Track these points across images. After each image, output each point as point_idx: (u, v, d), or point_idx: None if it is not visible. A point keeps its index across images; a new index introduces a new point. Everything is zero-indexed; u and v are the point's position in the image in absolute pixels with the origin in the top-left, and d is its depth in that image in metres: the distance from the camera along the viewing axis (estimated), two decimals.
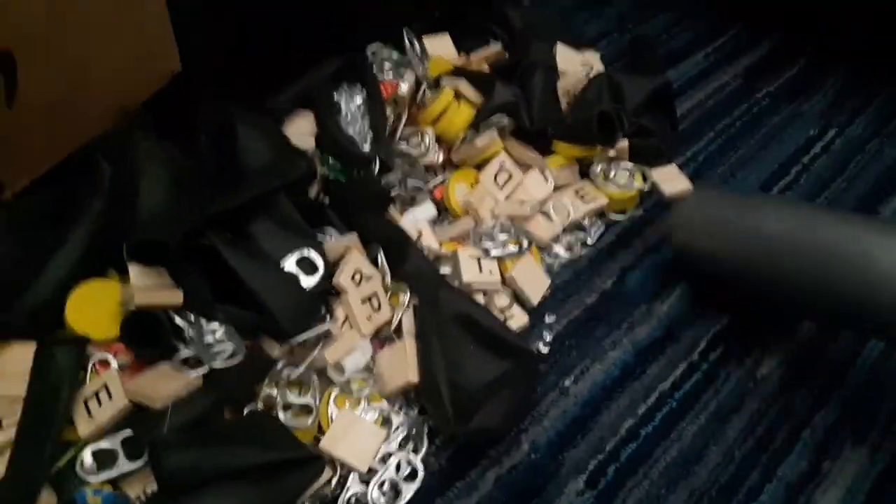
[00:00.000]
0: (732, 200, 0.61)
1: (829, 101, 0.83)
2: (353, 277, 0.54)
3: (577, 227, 0.66)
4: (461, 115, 0.66)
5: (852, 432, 0.56)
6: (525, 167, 0.67)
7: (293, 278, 0.51)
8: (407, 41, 0.70)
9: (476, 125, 0.66)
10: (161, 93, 0.61)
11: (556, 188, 0.67)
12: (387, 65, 0.70)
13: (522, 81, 0.70)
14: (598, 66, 0.77)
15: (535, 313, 0.60)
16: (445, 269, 0.60)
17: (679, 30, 0.90)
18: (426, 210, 0.64)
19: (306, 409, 0.49)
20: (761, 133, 0.79)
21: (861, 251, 0.51)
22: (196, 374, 0.47)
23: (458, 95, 0.67)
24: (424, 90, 0.67)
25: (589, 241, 0.66)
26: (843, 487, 0.53)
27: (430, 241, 0.61)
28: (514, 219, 0.63)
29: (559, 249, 0.64)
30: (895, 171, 0.76)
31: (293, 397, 0.49)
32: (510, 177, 0.65)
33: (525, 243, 0.61)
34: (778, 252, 0.54)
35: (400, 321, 0.55)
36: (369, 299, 0.54)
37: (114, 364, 0.49)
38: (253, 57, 0.68)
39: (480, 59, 0.75)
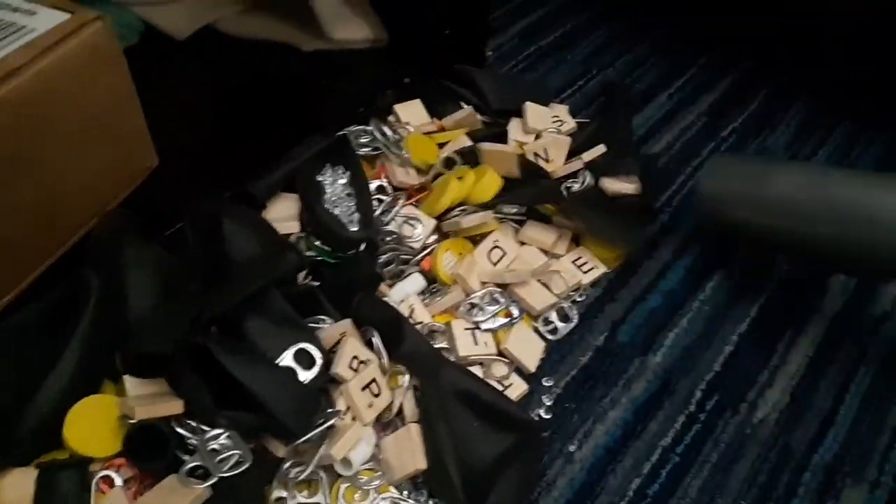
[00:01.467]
0: (753, 166, 0.67)
1: (793, 134, 0.86)
2: (350, 366, 0.54)
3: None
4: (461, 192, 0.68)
5: (851, 471, 0.57)
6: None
7: (292, 375, 0.51)
8: (374, 129, 0.71)
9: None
10: (140, 189, 0.62)
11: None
12: (365, 149, 0.70)
13: None
14: (569, 121, 0.79)
15: (534, 377, 0.61)
16: (441, 343, 0.60)
17: (641, 72, 0.93)
18: (414, 282, 0.65)
19: None
20: None
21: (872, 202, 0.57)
22: (205, 486, 0.46)
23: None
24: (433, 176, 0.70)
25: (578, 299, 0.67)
26: None
27: (422, 316, 0.61)
28: (506, 287, 0.64)
29: (554, 319, 0.64)
30: None
31: (303, 498, 0.49)
32: (504, 254, 0.66)
33: (515, 313, 0.62)
34: (798, 211, 0.60)
35: (401, 406, 0.55)
36: (368, 385, 0.54)
37: (118, 481, 0.48)
38: (229, 145, 0.69)
39: (453, 122, 0.76)
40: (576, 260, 0.68)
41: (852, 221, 0.58)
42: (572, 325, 0.65)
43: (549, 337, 0.64)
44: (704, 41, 0.96)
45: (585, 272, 0.67)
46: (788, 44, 0.89)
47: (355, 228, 0.64)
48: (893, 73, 0.83)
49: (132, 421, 0.48)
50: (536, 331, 0.64)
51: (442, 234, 0.68)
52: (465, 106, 0.77)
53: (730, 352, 0.64)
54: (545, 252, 0.68)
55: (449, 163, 0.70)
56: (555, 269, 0.65)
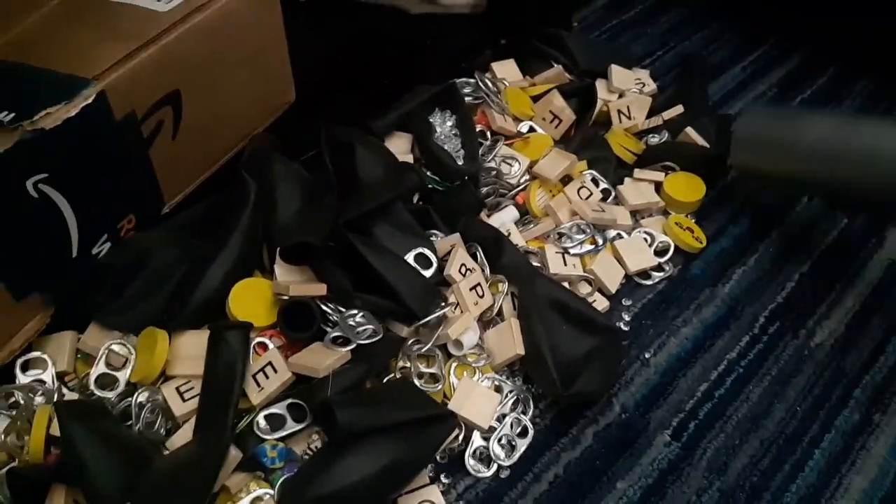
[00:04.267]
0: (784, 115, 0.73)
1: (859, 106, 0.92)
2: (460, 270, 0.64)
3: None
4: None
5: None
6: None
7: (417, 270, 0.61)
8: (478, 80, 0.80)
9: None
10: (279, 120, 0.72)
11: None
12: (467, 98, 0.79)
13: None
14: (650, 83, 0.87)
15: (614, 299, 0.69)
16: (534, 263, 0.69)
17: (716, 47, 1.00)
18: (510, 213, 0.73)
19: (434, 378, 0.59)
20: None
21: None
22: (346, 350, 0.56)
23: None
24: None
25: None
26: (892, 436, 0.61)
27: (517, 239, 0.70)
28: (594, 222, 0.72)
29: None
30: None
31: (424, 368, 0.59)
32: (591, 194, 0.74)
33: (600, 242, 0.70)
34: (832, 154, 0.65)
35: (500, 308, 0.64)
36: (474, 287, 0.63)
37: (271, 346, 0.58)
38: (350, 90, 0.78)
39: (543, 80, 0.85)
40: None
41: (883, 164, 0.62)
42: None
43: (657, 276, 0.72)
44: (777, 20, 1.02)
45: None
46: (857, 23, 0.95)
47: (461, 163, 0.73)
48: None
49: (284, 298, 0.58)
50: (618, 259, 0.72)
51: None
52: (555, 65, 0.86)
53: (791, 287, 0.71)
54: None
55: None
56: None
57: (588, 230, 0.71)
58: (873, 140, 0.64)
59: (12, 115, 0.48)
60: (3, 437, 0.53)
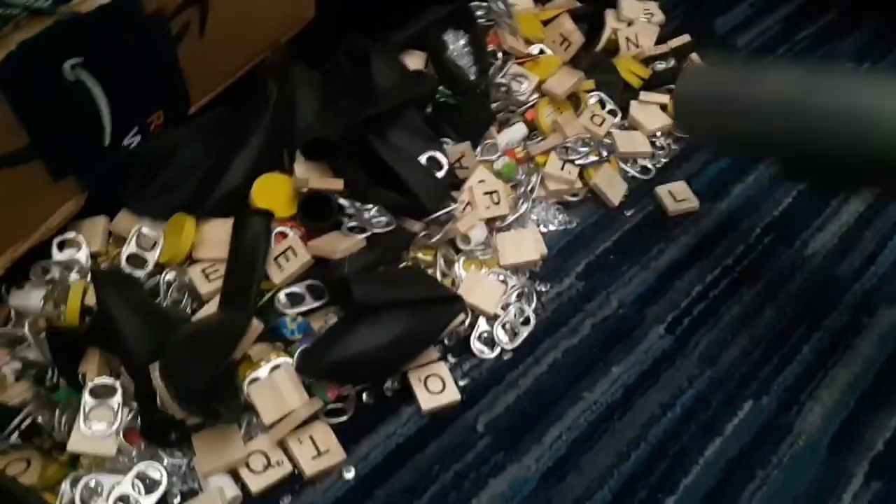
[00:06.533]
0: (732, 72, 0.64)
1: (864, 42, 0.94)
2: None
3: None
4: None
5: (887, 297, 0.67)
6: None
7: (429, 169, 0.64)
8: (492, 4, 0.82)
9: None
10: (300, 33, 0.75)
11: None
12: (480, 20, 0.82)
13: None
14: (658, 13, 0.89)
15: (617, 210, 0.73)
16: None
17: None
18: (519, 129, 0.76)
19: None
20: None
21: (854, 105, 0.53)
22: (362, 237, 0.60)
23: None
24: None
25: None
26: (878, 335, 0.64)
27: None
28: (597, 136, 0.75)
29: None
30: None
31: (431, 258, 0.62)
32: (603, 121, 0.77)
33: (604, 154, 0.73)
34: (785, 116, 0.56)
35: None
36: (490, 193, 0.67)
37: (291, 234, 0.62)
38: (367, 7, 0.81)
39: (555, 6, 0.87)
40: None
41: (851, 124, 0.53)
42: (651, 174, 0.76)
43: (639, 176, 0.76)
44: None
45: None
46: None
47: (473, 77, 0.76)
48: None
49: (304, 190, 0.62)
50: (623, 173, 0.75)
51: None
52: None
53: (788, 203, 0.74)
54: None
55: None
56: None
57: (592, 143, 0.74)
58: (837, 98, 0.54)
59: (49, 1, 0.52)
60: (41, 304, 0.57)
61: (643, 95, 0.81)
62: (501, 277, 0.64)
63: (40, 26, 0.51)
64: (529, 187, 0.70)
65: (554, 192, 0.72)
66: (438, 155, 0.66)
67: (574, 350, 0.61)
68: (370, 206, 0.61)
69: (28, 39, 0.50)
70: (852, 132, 0.53)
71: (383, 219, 0.61)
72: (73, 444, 0.50)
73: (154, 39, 0.60)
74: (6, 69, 0.49)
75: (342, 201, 0.61)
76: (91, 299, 0.56)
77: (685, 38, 0.85)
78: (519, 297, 0.64)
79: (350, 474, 0.54)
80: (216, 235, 0.61)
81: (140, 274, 0.59)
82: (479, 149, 0.73)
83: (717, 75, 0.65)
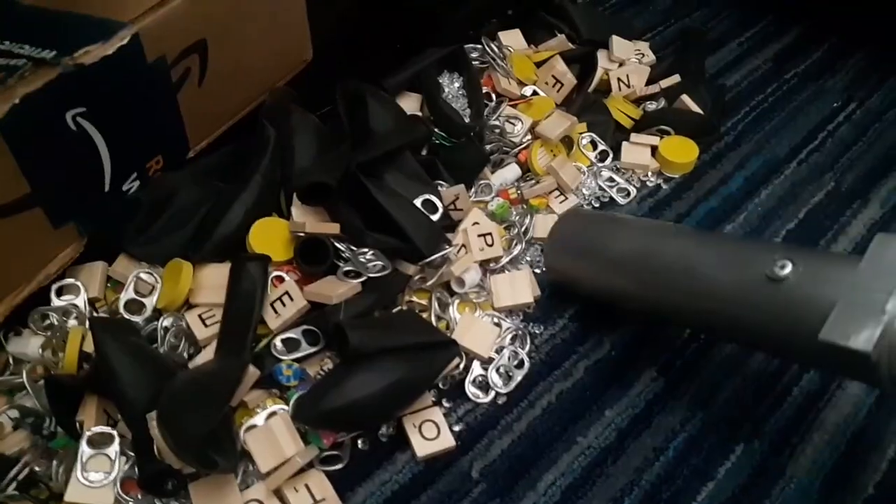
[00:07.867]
0: (590, 224, 0.68)
1: (851, 79, 0.96)
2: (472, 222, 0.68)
3: None
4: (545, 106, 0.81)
5: None
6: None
7: (424, 212, 0.65)
8: (485, 45, 0.84)
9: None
10: (297, 76, 0.77)
11: None
12: (475, 62, 0.84)
13: None
14: (649, 54, 0.91)
15: None
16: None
17: (715, 23, 1.04)
18: (512, 170, 0.78)
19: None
20: (791, 107, 0.91)
21: (688, 263, 0.55)
22: (357, 282, 0.60)
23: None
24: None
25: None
26: None
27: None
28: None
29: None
30: None
31: (426, 302, 0.63)
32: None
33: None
34: (626, 270, 0.60)
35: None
36: (484, 236, 0.68)
37: (288, 278, 0.62)
38: (364, 51, 0.83)
39: (547, 48, 0.89)
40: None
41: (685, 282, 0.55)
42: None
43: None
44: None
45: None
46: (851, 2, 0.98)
47: (468, 120, 0.77)
48: None
49: (301, 235, 0.63)
50: None
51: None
52: (559, 34, 0.90)
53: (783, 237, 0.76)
54: None
55: None
56: None
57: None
58: (676, 257, 0.57)
59: (54, 52, 0.53)
60: (40, 351, 0.57)
61: (634, 137, 0.82)
62: (496, 320, 0.65)
63: (44, 79, 0.52)
64: (523, 229, 0.71)
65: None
66: (433, 198, 0.67)
67: (568, 393, 0.62)
68: (366, 250, 0.62)
69: (32, 93, 0.51)
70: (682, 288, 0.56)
71: (379, 263, 0.62)
72: (71, 495, 0.50)
73: (155, 87, 0.61)
74: (11, 122, 0.50)
75: (338, 245, 0.62)
76: (89, 346, 0.57)
77: (676, 79, 0.87)
78: (513, 339, 0.64)
79: None
80: (213, 280, 0.62)
81: (138, 319, 0.60)
82: (473, 189, 0.74)
83: (584, 225, 0.68)
